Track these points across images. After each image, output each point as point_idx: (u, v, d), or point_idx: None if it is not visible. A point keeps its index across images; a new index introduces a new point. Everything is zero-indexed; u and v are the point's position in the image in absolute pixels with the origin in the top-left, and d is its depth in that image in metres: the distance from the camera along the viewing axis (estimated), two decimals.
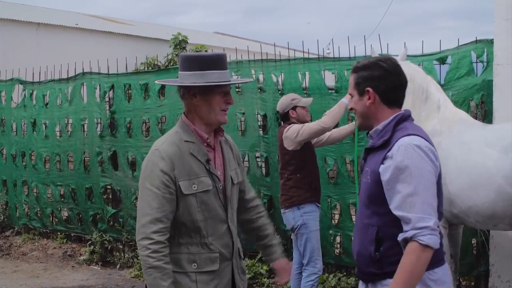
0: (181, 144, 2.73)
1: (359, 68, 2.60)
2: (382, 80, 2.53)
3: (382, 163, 2.45)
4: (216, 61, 2.76)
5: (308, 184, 4.84)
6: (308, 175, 4.87)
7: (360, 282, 2.69)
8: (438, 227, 2.36)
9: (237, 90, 6.53)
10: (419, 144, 2.41)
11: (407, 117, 2.57)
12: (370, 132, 2.63)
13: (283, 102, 5.01)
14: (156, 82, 5.59)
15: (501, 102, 4.74)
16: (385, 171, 2.42)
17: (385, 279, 2.46)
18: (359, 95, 2.59)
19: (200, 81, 2.70)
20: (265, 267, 6.16)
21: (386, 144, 2.48)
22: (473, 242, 5.30)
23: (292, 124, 4.84)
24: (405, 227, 2.35)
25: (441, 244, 2.43)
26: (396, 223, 2.39)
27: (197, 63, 2.73)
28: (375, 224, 2.49)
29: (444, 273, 2.52)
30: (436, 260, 2.42)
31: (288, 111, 4.96)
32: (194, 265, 2.74)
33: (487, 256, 5.05)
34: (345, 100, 4.64)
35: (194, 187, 2.70)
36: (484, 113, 5.04)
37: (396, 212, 2.38)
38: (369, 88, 2.55)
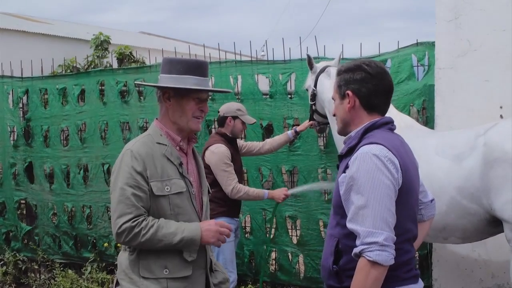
0: (153, 145, 2.72)
1: (342, 71, 2.52)
2: (363, 83, 2.43)
3: (344, 172, 2.35)
4: (196, 67, 2.77)
5: (222, 200, 4.65)
6: (222, 190, 4.65)
7: None
8: (394, 243, 2.21)
9: None
10: (378, 153, 2.27)
11: (380, 124, 2.43)
12: (345, 138, 2.56)
13: (229, 106, 4.89)
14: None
15: (443, 108, 4.53)
16: (343, 180, 2.33)
17: None
18: (340, 98, 2.52)
19: (176, 84, 2.71)
20: None
21: (351, 152, 2.38)
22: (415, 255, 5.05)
23: (221, 145, 4.67)
24: (356, 241, 2.24)
25: (408, 261, 2.35)
26: (355, 236, 2.27)
27: (177, 67, 2.75)
28: (336, 235, 2.41)
29: None
30: (398, 279, 2.30)
31: (228, 117, 4.79)
32: (166, 271, 2.66)
33: (429, 270, 4.82)
34: (266, 192, 4.72)
35: (167, 189, 2.67)
36: (426, 120, 4.82)
37: (349, 225, 2.27)
38: (349, 91, 2.46)
